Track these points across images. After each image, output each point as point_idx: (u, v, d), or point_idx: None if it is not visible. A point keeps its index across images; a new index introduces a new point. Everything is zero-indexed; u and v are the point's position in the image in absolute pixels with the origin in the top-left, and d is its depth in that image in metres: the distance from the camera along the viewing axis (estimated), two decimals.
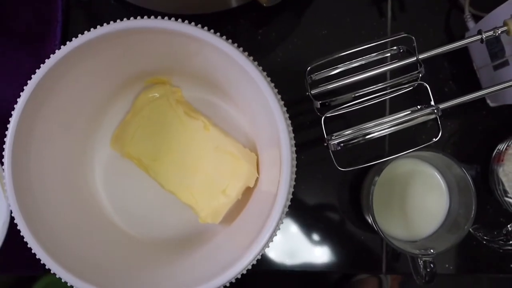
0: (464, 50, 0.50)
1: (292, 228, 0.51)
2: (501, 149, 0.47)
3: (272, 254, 0.51)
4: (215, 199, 0.45)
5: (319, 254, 0.51)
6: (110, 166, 0.47)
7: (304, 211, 0.51)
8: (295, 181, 0.50)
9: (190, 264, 0.44)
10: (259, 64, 0.47)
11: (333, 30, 0.51)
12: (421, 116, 0.35)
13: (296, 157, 0.50)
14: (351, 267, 0.50)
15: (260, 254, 0.37)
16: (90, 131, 0.46)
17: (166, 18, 0.37)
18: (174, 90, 0.47)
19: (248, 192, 0.46)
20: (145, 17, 0.37)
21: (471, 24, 0.47)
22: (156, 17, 0.37)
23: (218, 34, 0.37)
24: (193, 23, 0.37)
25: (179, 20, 0.37)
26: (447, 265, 0.50)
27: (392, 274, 0.51)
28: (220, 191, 0.45)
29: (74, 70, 0.39)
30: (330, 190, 0.51)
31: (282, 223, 0.37)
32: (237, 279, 0.37)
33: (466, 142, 0.51)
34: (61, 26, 0.47)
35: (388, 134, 0.50)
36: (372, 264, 0.50)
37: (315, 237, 0.51)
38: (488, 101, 0.49)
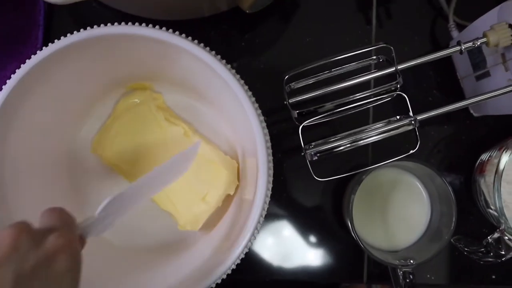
0: (449, 59, 0.50)
1: (273, 237, 0.50)
2: (483, 159, 0.47)
3: (255, 262, 0.50)
4: (194, 207, 0.45)
5: (298, 264, 0.50)
6: (90, 172, 0.47)
7: (285, 220, 0.50)
8: (278, 189, 0.50)
9: (169, 271, 0.44)
10: (242, 70, 0.47)
11: (318, 37, 0.51)
12: (399, 128, 0.35)
13: (279, 165, 0.51)
14: (332, 277, 0.50)
15: (236, 262, 0.36)
16: (70, 137, 0.46)
17: (143, 24, 0.37)
18: (155, 96, 0.46)
19: (229, 199, 0.46)
20: (123, 23, 0.37)
21: (455, 33, 0.47)
22: (140, 23, 0.37)
23: (196, 41, 0.37)
24: (170, 30, 0.36)
25: (157, 26, 0.37)
26: (428, 275, 0.50)
27: (373, 283, 0.51)
28: (200, 199, 0.45)
29: (51, 76, 0.39)
30: (313, 198, 0.51)
31: (258, 232, 0.37)
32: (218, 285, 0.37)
33: (450, 151, 0.51)
34: (43, 30, 0.47)
35: (372, 142, 0.50)
36: (354, 273, 0.50)
37: (295, 246, 0.50)
38: (472, 111, 0.49)
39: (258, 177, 0.36)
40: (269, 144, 0.37)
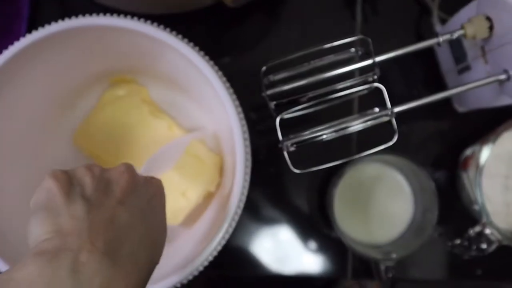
0: (433, 55, 0.50)
1: (256, 232, 0.50)
2: (468, 154, 0.47)
3: (236, 258, 0.50)
4: (174, 201, 0.44)
5: (282, 260, 0.50)
6: (71, 164, 0.47)
7: (269, 216, 0.50)
8: (262, 185, 0.50)
9: None
10: (228, 66, 0.47)
11: (304, 33, 0.51)
12: (375, 119, 0.35)
13: (266, 160, 0.51)
14: (316, 272, 0.50)
15: (211, 255, 0.36)
16: (52, 129, 0.46)
17: (122, 15, 0.37)
18: (140, 89, 0.46)
19: (211, 196, 0.46)
20: (101, 14, 0.37)
21: (439, 28, 0.47)
22: (124, 16, 0.37)
23: (174, 33, 0.37)
24: (149, 22, 0.37)
25: (135, 18, 0.37)
26: (413, 271, 0.50)
27: (358, 279, 0.51)
28: (180, 193, 0.44)
29: (32, 67, 0.39)
30: (298, 194, 0.51)
31: (235, 225, 0.37)
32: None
33: (435, 147, 0.51)
34: (28, 23, 0.47)
35: (356, 136, 0.50)
36: (338, 269, 0.50)
37: (282, 242, 0.50)
38: (456, 106, 0.49)
39: (235, 173, 0.36)
40: (247, 137, 0.37)
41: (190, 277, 0.36)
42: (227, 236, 0.36)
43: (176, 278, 0.36)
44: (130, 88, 0.46)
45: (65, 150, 0.46)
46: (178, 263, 0.40)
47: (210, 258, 0.36)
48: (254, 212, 0.50)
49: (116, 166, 0.29)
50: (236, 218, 0.36)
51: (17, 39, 0.44)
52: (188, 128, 0.47)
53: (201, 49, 0.38)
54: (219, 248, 0.36)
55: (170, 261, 0.42)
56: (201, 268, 0.36)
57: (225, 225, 0.36)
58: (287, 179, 0.51)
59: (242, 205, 0.37)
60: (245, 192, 0.37)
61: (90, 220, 0.24)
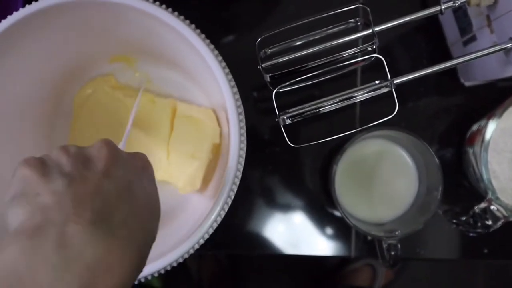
0: (439, 27, 0.48)
1: (263, 213, 0.50)
2: (474, 130, 0.45)
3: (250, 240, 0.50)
4: (187, 166, 0.44)
5: (289, 240, 0.50)
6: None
7: (273, 197, 0.50)
8: (263, 163, 0.49)
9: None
10: (228, 45, 0.45)
11: (302, 8, 0.50)
12: (375, 90, 0.34)
13: (268, 139, 0.50)
14: (323, 252, 0.49)
15: (219, 216, 0.35)
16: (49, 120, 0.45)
17: None
18: (106, 79, 0.46)
19: (218, 152, 0.45)
20: None
21: None
22: None
23: (164, 6, 0.36)
24: None
25: None
26: (418, 250, 0.49)
27: (361, 258, 0.50)
28: (189, 157, 0.44)
29: (22, 47, 0.38)
30: (301, 174, 0.50)
31: (234, 193, 0.36)
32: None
33: (442, 124, 0.49)
34: (23, 2, 0.46)
35: (359, 112, 0.49)
36: (341, 249, 0.49)
37: (286, 222, 0.50)
38: (462, 80, 0.47)
39: (229, 148, 0.36)
40: (236, 90, 0.36)
41: (202, 241, 0.35)
42: (235, 188, 0.35)
43: (192, 240, 0.35)
44: (95, 83, 0.46)
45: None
46: (190, 229, 0.39)
47: (219, 219, 0.35)
48: (256, 188, 0.50)
49: (93, 143, 0.27)
50: (240, 168, 0.35)
51: None
52: (174, 95, 0.47)
53: (201, 29, 0.37)
54: (230, 201, 0.36)
55: (183, 228, 0.41)
56: (215, 225, 0.35)
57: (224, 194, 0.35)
58: (289, 158, 0.50)
59: (242, 161, 0.36)
60: (241, 167, 0.36)
61: (73, 193, 0.23)
